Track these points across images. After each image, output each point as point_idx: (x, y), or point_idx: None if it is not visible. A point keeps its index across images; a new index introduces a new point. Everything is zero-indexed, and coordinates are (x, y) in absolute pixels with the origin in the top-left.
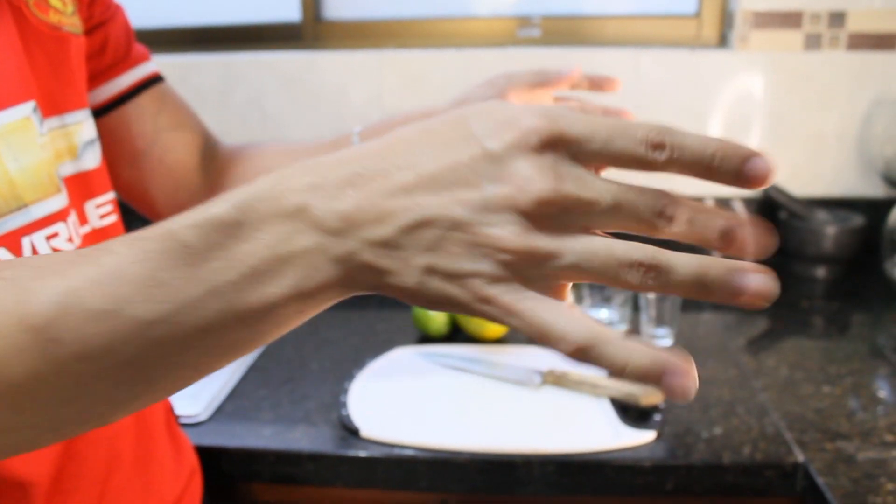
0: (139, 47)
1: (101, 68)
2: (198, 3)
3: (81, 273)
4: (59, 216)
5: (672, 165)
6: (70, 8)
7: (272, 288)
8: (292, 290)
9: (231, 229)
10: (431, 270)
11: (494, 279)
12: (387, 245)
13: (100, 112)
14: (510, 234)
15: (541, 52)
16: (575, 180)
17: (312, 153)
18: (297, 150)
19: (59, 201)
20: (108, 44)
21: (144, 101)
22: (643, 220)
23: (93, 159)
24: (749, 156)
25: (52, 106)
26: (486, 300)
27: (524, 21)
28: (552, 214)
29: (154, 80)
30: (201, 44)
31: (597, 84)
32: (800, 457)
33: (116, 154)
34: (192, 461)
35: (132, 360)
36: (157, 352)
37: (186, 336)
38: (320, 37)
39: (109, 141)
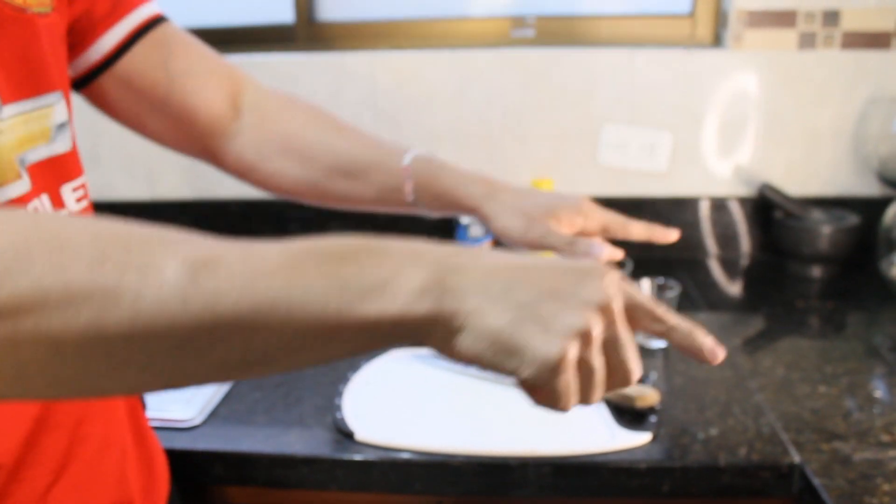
0: None
1: (93, 22)
2: (190, 4)
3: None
4: (19, 202)
5: (662, 336)
6: None
7: (385, 304)
8: (397, 314)
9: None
10: (523, 312)
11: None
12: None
13: (103, 67)
14: (592, 320)
15: (535, 52)
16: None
17: (350, 145)
18: (329, 128)
19: (20, 187)
20: (97, 0)
21: (147, 47)
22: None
23: (65, 143)
24: (710, 349)
25: (17, 91)
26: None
27: (518, 21)
28: (611, 323)
29: (154, 22)
30: None
31: (654, 236)
32: (796, 458)
33: (139, 105)
34: (160, 458)
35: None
36: (271, 327)
37: (303, 322)
38: (314, 38)
39: (129, 92)
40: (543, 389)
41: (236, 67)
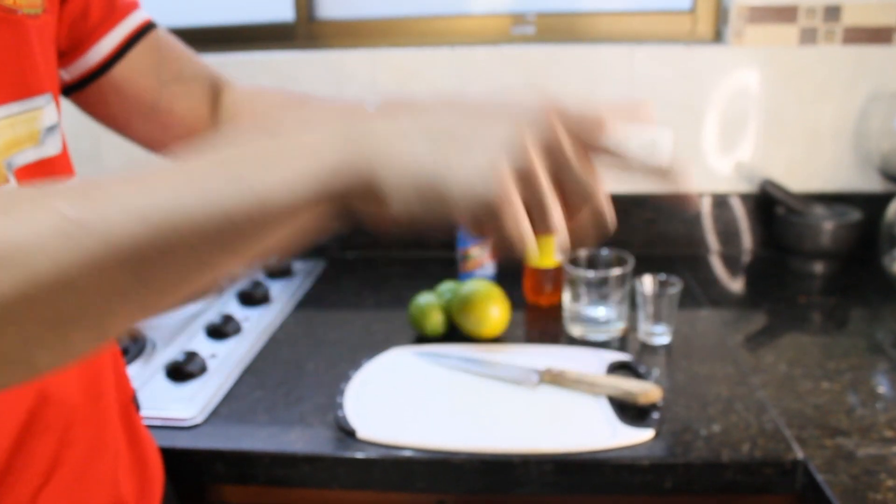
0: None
1: (88, 29)
2: (190, 3)
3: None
4: None
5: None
6: None
7: (290, 172)
8: (308, 174)
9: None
10: (442, 141)
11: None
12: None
13: (100, 72)
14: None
15: (535, 49)
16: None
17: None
18: (308, 104)
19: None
20: (91, 4)
21: (141, 52)
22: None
23: (54, 145)
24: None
25: (5, 93)
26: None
27: (518, 18)
28: (553, 148)
29: (146, 28)
30: (194, 44)
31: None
32: (799, 454)
33: (128, 110)
34: (155, 461)
35: (152, 252)
36: (175, 240)
37: (207, 225)
38: (314, 36)
39: (119, 98)
40: (493, 226)
41: (215, 69)
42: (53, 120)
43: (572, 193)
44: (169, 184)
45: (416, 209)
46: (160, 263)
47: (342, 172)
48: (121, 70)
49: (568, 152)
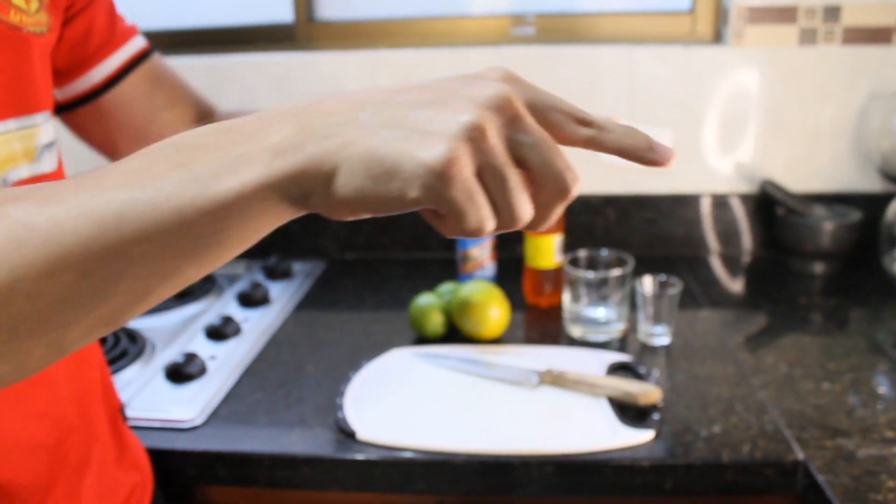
0: (124, 24)
1: (88, 52)
2: (189, 4)
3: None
4: None
5: (593, 143)
6: (34, 6)
7: (240, 162)
8: (258, 160)
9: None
10: (396, 124)
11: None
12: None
13: (95, 94)
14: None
15: (535, 50)
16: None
17: None
18: None
19: None
20: (93, 28)
21: (137, 78)
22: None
23: (50, 163)
24: (654, 145)
25: (7, 108)
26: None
27: (518, 19)
28: (510, 115)
29: (144, 54)
30: (193, 45)
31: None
32: (799, 454)
33: (117, 134)
34: (144, 466)
35: (102, 252)
36: (128, 241)
37: (160, 224)
38: (313, 37)
39: (110, 121)
40: (446, 210)
41: (201, 94)
42: (51, 137)
43: (540, 174)
44: (120, 182)
45: (367, 189)
46: (114, 267)
47: (297, 176)
48: (116, 94)
49: (529, 126)
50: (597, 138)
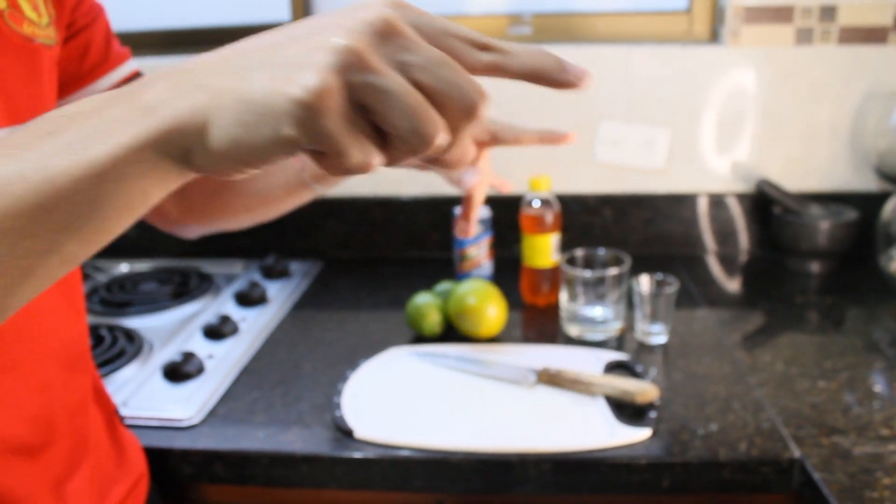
0: (118, 47)
1: (82, 72)
2: (186, 5)
3: None
4: None
5: (496, 69)
6: (45, 20)
7: (118, 137)
8: (127, 120)
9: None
10: (263, 63)
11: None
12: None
13: None
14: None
15: None
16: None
17: None
18: None
19: None
20: (90, 47)
21: None
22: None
23: None
24: (565, 65)
25: (18, 117)
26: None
27: (515, 19)
28: (392, 36)
29: (136, 78)
30: (190, 46)
31: (548, 139)
32: (796, 452)
33: None
34: (140, 466)
35: None
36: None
37: (30, 195)
38: None
39: None
40: (326, 146)
41: None
42: None
43: (434, 91)
44: None
45: (242, 137)
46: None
47: (162, 111)
48: None
49: (415, 44)
50: (500, 63)
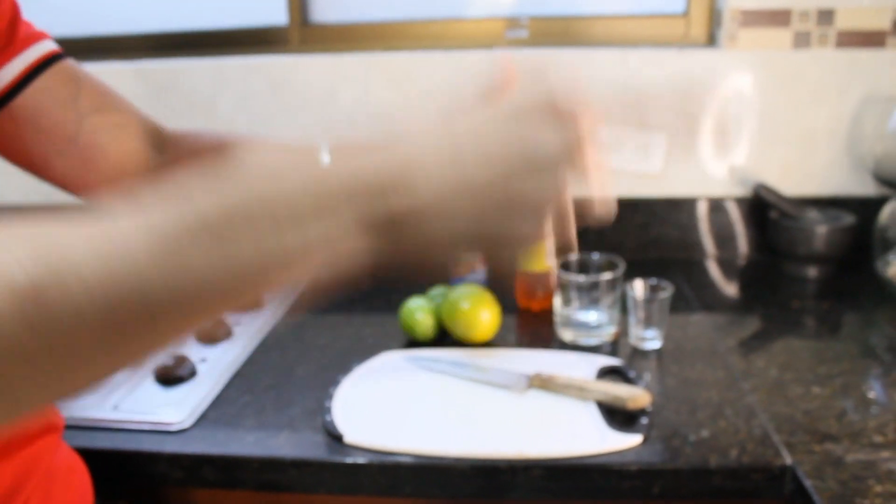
0: (30, 29)
1: None
2: (184, 7)
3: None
4: None
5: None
6: None
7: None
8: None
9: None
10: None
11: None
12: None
13: (3, 102)
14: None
15: (529, 53)
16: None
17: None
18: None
19: None
20: None
21: (51, 82)
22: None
23: None
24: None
25: None
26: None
27: (512, 22)
28: None
29: (54, 57)
30: (188, 48)
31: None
32: (787, 459)
33: (44, 145)
34: (84, 486)
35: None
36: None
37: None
38: (307, 40)
39: (31, 132)
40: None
41: (146, 113)
42: None
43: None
44: (153, 267)
45: (457, 252)
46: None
47: (377, 221)
48: (29, 100)
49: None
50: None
